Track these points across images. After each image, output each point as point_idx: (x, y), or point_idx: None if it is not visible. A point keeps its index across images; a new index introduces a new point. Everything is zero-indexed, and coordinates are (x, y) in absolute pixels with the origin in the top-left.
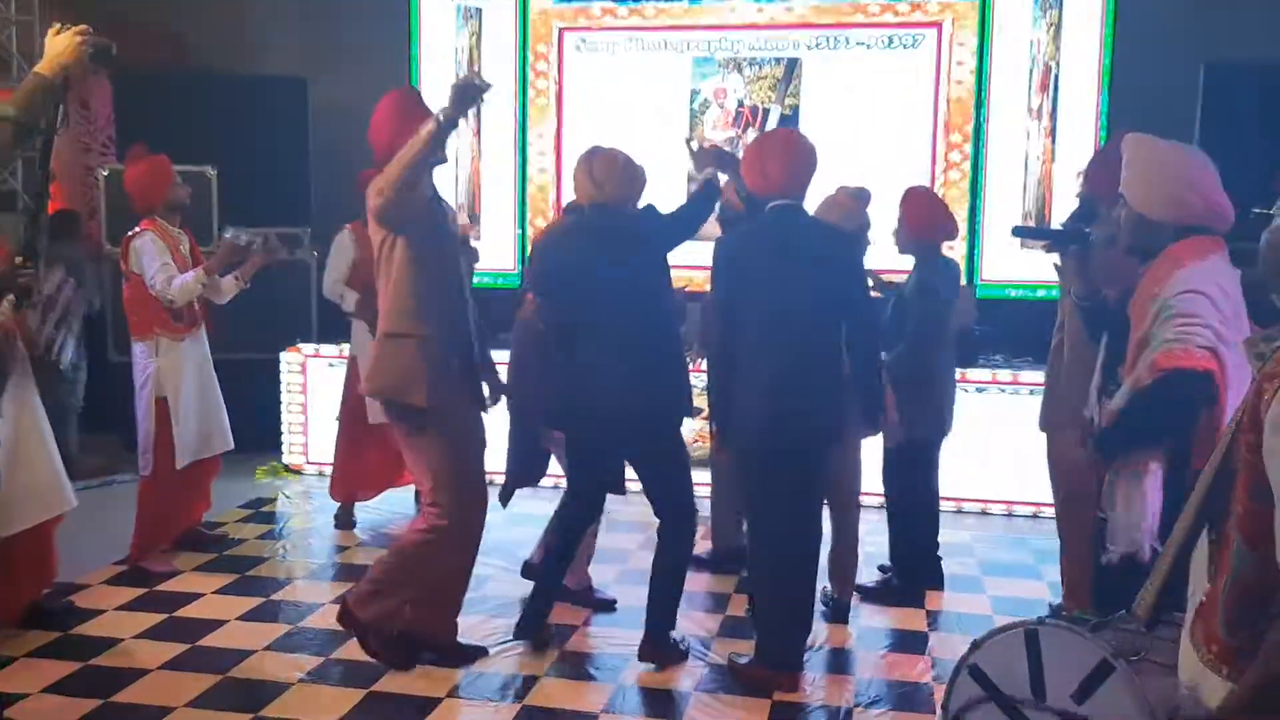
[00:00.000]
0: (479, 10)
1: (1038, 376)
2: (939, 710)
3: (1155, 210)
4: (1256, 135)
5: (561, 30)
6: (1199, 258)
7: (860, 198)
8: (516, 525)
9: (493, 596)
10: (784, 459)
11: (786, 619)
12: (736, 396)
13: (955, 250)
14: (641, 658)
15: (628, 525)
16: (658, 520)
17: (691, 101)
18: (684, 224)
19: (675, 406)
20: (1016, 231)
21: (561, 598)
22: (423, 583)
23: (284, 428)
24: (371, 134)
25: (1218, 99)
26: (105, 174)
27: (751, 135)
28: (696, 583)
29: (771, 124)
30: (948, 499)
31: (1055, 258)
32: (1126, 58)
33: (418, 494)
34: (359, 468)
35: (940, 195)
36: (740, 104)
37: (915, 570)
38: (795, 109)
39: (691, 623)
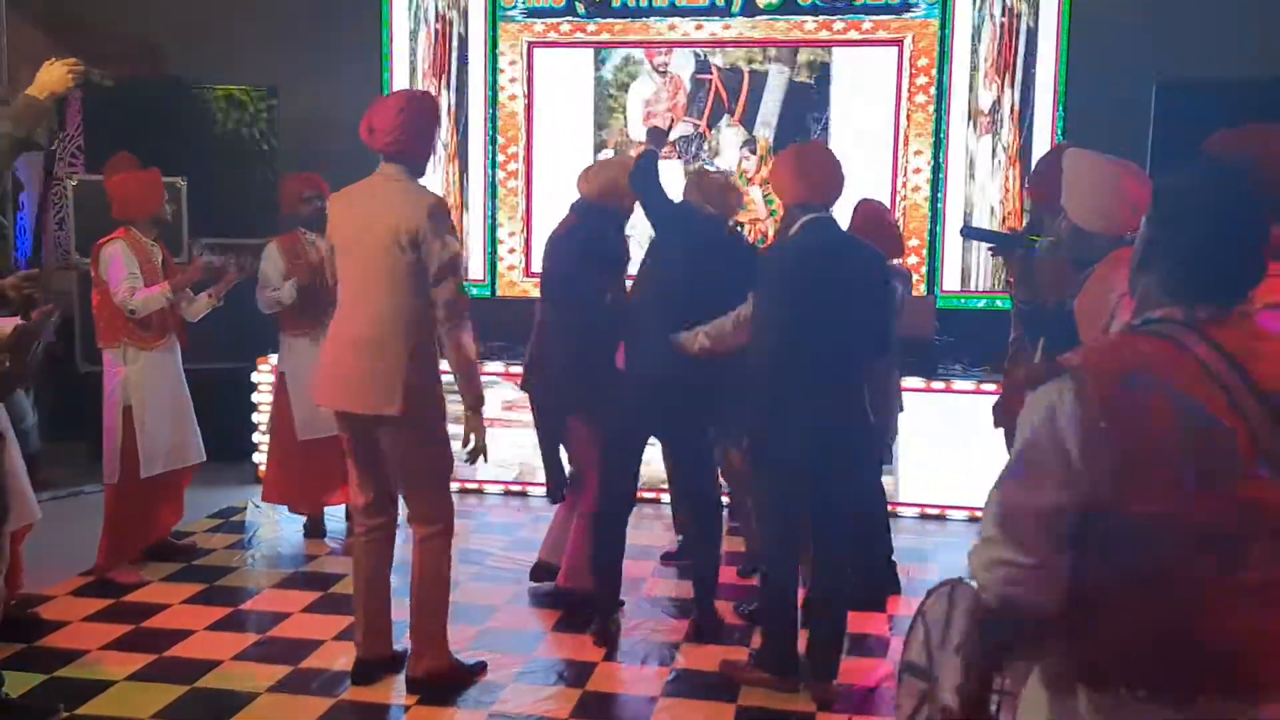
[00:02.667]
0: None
1: (996, 385)
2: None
3: (1089, 221)
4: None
5: (530, 44)
6: None
7: None
8: (484, 532)
9: (461, 602)
10: (833, 474)
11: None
12: (779, 412)
13: (915, 261)
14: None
15: None
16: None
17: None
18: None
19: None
20: (965, 232)
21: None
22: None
23: (256, 438)
24: (380, 122)
25: (1170, 116)
26: (74, 183)
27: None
28: (663, 588)
29: None
30: (911, 505)
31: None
32: (1081, 75)
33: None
34: (300, 478)
35: (893, 209)
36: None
37: (873, 575)
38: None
39: (661, 627)
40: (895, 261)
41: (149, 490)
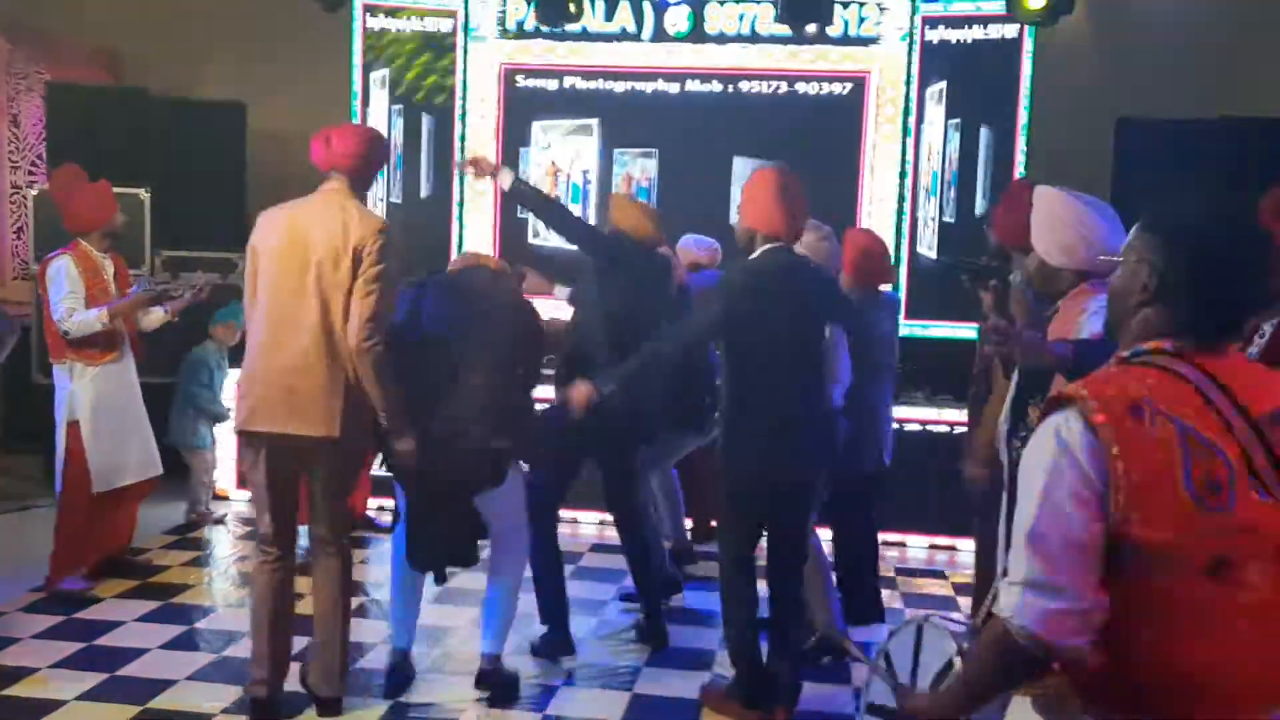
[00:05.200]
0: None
1: (957, 414)
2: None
3: (1054, 257)
4: (1166, 189)
5: (502, 65)
6: (1102, 292)
7: (830, 237)
8: None
9: (421, 624)
10: (782, 493)
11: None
12: (740, 429)
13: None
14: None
15: (567, 555)
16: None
17: None
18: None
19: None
20: (941, 262)
21: None
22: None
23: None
24: (345, 144)
25: (1129, 153)
26: (34, 193)
27: None
28: (619, 611)
29: None
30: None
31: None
32: (1043, 111)
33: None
34: None
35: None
36: None
37: (853, 604)
38: None
39: (627, 652)
40: (886, 288)
41: (100, 505)
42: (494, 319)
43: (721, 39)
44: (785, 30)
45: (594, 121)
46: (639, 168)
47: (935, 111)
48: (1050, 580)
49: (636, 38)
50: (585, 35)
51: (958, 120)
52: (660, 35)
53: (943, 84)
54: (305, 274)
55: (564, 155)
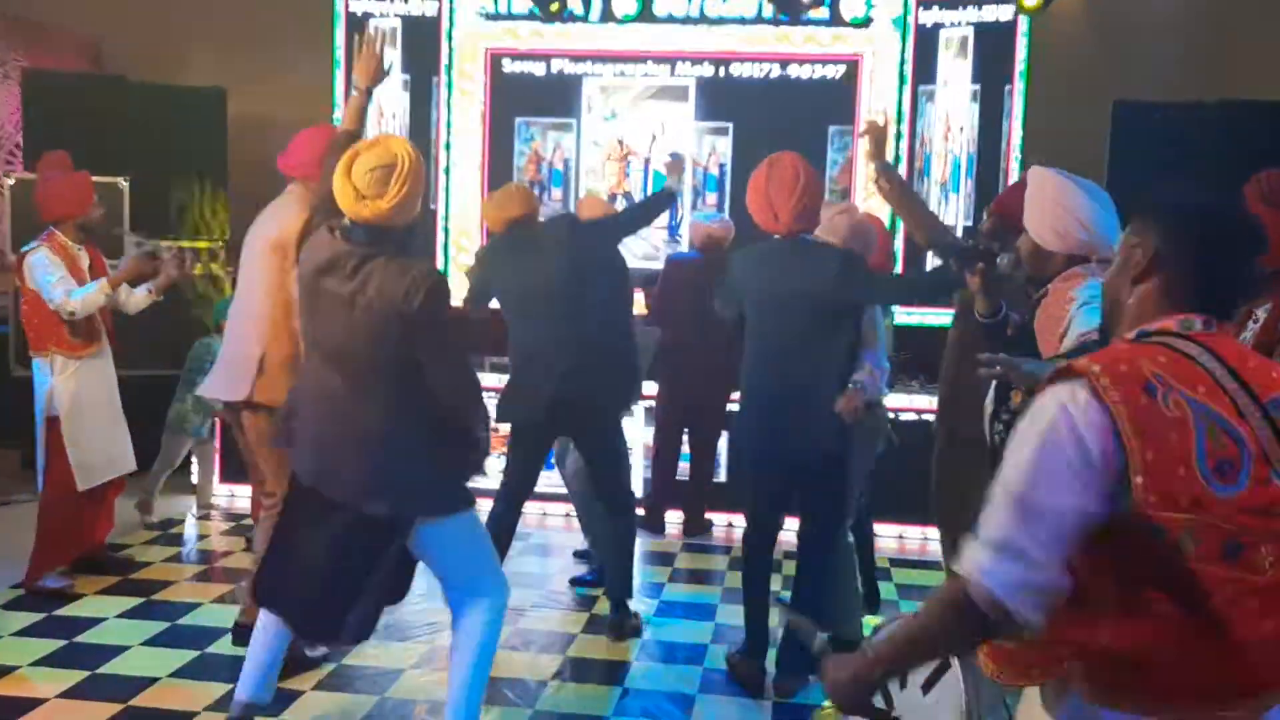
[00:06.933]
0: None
1: None
2: None
3: (1046, 239)
4: (1163, 172)
5: (488, 49)
6: (1094, 276)
7: (850, 211)
8: None
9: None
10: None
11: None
12: (744, 402)
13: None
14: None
15: (559, 547)
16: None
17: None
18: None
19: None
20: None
21: None
22: None
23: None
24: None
25: (1126, 137)
26: (11, 182)
27: None
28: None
29: None
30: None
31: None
32: (1039, 95)
33: None
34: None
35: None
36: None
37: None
38: None
39: (617, 647)
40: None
41: (80, 501)
42: (358, 324)
43: (670, 20)
44: (739, 13)
45: (688, 83)
46: (708, 146)
47: (956, 69)
48: (1024, 547)
49: (584, 19)
50: (532, 16)
51: (978, 87)
52: (607, 17)
53: (966, 31)
54: (257, 260)
55: (640, 130)
